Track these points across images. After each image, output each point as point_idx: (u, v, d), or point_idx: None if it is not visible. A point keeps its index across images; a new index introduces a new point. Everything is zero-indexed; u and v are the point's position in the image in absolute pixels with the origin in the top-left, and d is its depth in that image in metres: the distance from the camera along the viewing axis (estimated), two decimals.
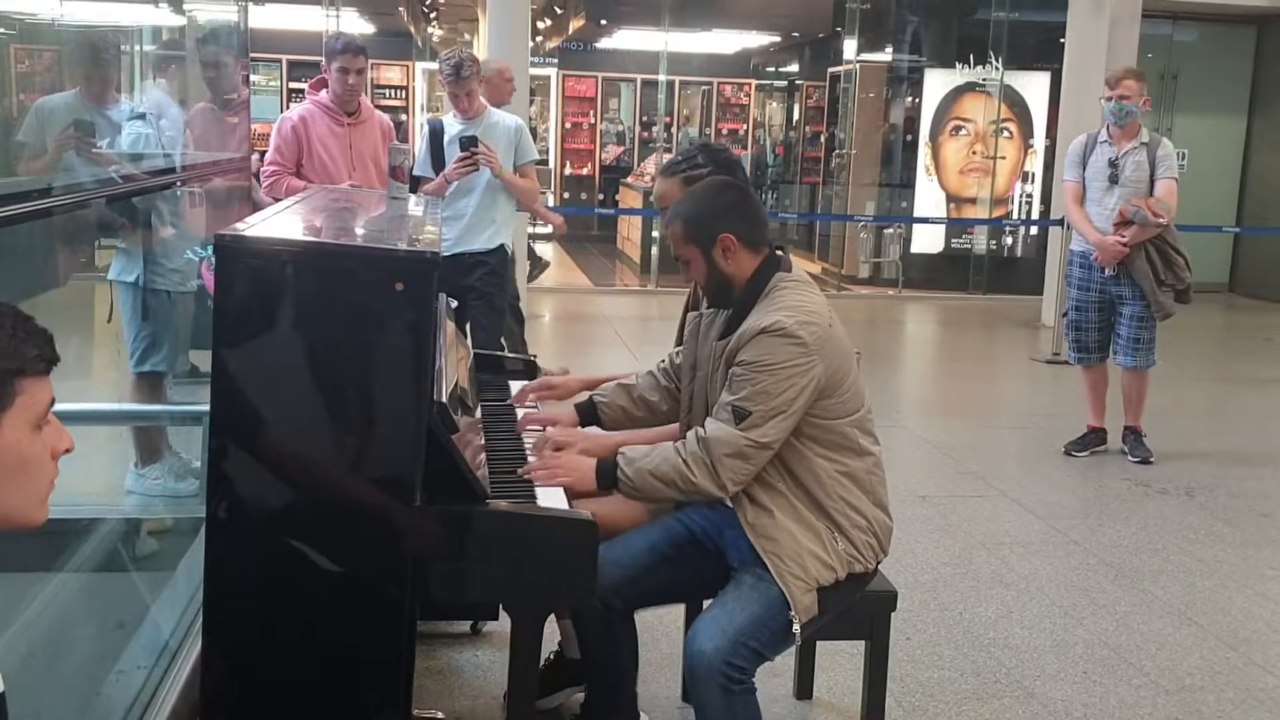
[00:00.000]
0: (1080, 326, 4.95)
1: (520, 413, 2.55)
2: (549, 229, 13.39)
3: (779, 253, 2.24)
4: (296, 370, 1.79)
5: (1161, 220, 4.65)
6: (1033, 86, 10.51)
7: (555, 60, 13.91)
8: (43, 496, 1.25)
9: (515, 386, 2.72)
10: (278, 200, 3.76)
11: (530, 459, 2.22)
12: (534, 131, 11.97)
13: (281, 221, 2.17)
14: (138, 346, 3.50)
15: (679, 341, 2.47)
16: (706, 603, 2.23)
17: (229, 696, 1.88)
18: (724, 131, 14.04)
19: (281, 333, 1.78)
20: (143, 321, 3.49)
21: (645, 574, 2.26)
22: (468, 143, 4.29)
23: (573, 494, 2.15)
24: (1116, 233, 4.72)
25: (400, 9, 13.11)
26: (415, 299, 1.77)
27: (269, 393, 1.79)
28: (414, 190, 3.53)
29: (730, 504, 2.15)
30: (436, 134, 4.52)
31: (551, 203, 13.01)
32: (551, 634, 2.60)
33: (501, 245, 4.53)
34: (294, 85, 12.13)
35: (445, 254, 4.14)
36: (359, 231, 2.47)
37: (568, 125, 13.76)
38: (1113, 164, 4.79)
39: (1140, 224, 4.64)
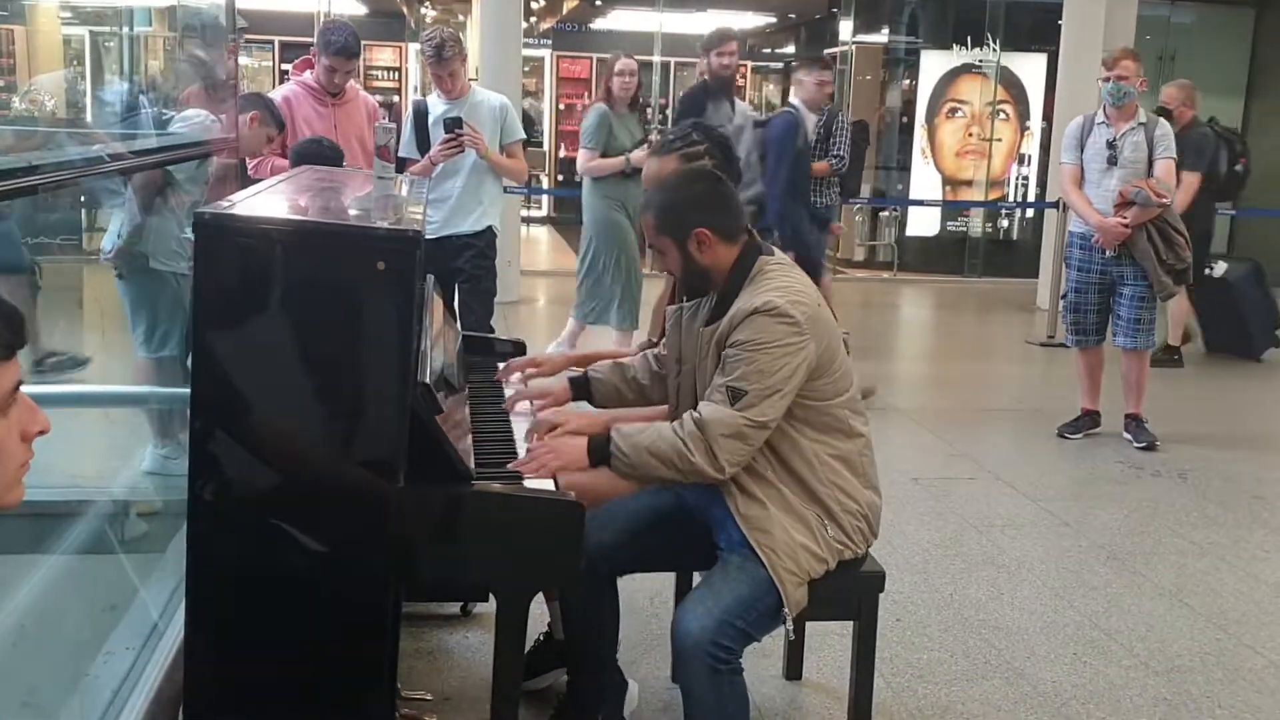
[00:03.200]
0: (1079, 308, 4.93)
1: (508, 391, 2.53)
2: (542, 212, 13.40)
3: (769, 235, 2.22)
4: (278, 350, 1.77)
5: (1164, 200, 4.63)
6: (1029, 68, 10.47)
7: (549, 41, 13.83)
8: (12, 479, 1.22)
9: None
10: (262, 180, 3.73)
11: (521, 447, 2.20)
12: (529, 114, 11.89)
13: (263, 200, 2.15)
14: (151, 332, 3.46)
15: (655, 329, 2.43)
16: (695, 579, 2.21)
17: (212, 678, 1.87)
18: None
19: (262, 312, 1.76)
20: (149, 306, 3.46)
21: (632, 539, 2.26)
22: (452, 124, 4.24)
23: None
24: (1117, 214, 4.69)
25: None
26: (397, 278, 1.74)
27: (250, 373, 1.77)
28: (400, 172, 3.50)
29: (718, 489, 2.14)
30: (421, 115, 4.47)
31: (546, 185, 12.97)
32: (540, 615, 2.60)
33: (489, 227, 4.49)
34: (286, 66, 12.04)
35: (432, 237, 4.11)
36: (341, 211, 2.44)
37: (562, 107, 13.66)
38: (1111, 145, 4.75)
39: (1142, 205, 4.61)
